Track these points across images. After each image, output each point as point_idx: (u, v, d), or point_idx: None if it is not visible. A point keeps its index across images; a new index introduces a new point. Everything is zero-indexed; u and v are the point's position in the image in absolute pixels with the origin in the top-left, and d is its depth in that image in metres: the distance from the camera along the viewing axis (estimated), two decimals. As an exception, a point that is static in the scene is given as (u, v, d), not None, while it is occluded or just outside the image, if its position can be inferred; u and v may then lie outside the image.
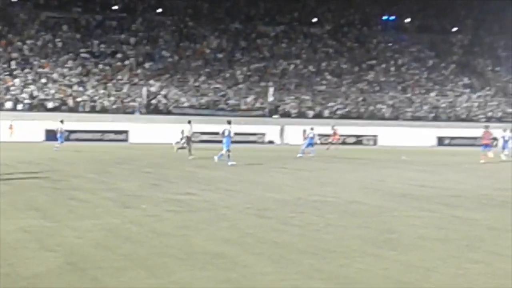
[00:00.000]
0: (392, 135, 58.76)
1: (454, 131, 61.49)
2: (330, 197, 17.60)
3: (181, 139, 36.98)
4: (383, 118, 63.05)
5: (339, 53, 73.85)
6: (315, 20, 78.34)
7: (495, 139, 40.74)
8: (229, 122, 31.20)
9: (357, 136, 59.28)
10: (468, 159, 37.49)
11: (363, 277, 8.64)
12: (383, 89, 68.43)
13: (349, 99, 65.59)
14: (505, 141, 41.80)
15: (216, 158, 30.48)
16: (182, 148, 36.06)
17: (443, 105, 66.76)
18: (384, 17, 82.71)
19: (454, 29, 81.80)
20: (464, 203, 17.02)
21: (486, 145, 36.44)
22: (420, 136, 59.42)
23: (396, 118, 63.55)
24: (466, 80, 71.87)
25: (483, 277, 8.84)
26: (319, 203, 16.30)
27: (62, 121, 42.92)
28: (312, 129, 39.72)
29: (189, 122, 35.57)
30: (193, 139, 36.64)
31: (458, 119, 64.61)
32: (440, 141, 60.82)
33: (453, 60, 75.89)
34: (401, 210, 15.42)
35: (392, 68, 72.55)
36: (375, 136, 60.15)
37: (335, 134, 48.27)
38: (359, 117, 62.71)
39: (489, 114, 65.96)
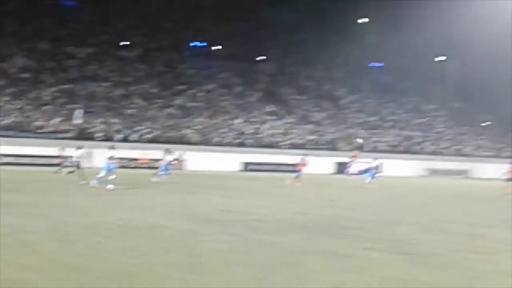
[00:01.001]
0: (200, 160, 59.35)
1: (259, 156, 63.26)
2: (136, 221, 17.48)
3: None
4: (190, 142, 63.54)
5: (148, 77, 73.78)
6: (125, 43, 77.88)
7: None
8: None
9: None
10: (272, 184, 38.76)
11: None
12: (191, 114, 69.07)
13: (158, 123, 65.59)
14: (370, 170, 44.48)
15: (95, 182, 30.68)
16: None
17: (249, 131, 68.49)
18: (194, 43, 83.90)
19: (261, 57, 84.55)
20: (267, 227, 17.52)
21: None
22: (226, 161, 60.56)
23: (203, 143, 64.33)
24: (271, 108, 74.26)
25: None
26: (126, 227, 16.14)
27: None
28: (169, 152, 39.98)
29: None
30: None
31: (263, 145, 66.49)
32: (245, 166, 62.29)
33: (259, 88, 78.24)
34: (207, 234, 15.61)
35: (201, 94, 73.51)
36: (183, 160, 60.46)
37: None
38: (167, 141, 62.73)
39: (292, 141, 68.52)
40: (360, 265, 12.05)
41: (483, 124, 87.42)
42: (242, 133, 67.84)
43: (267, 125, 70.51)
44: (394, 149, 72.63)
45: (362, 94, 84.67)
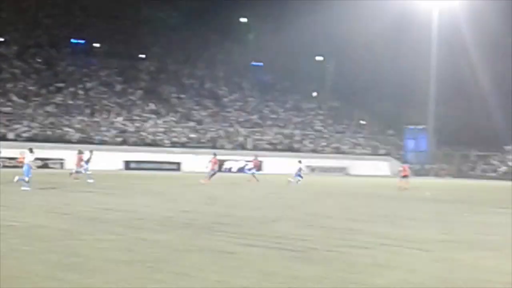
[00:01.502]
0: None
1: (141, 155, 62.75)
2: (14, 222, 17.00)
3: None
4: (70, 141, 62.25)
5: (26, 75, 71.67)
6: (1, 39, 75.31)
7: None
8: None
9: (43, 160, 57.77)
10: (154, 183, 38.55)
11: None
12: (71, 112, 67.65)
13: (36, 121, 63.86)
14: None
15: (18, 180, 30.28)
16: None
17: (130, 129, 67.79)
18: (73, 40, 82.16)
19: (142, 56, 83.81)
20: (149, 225, 17.43)
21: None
22: (107, 159, 59.64)
23: (84, 141, 63.12)
24: (152, 106, 73.78)
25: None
26: (3, 228, 15.66)
27: None
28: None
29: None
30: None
31: (145, 143, 66.01)
32: (127, 165, 61.64)
33: (140, 86, 77.55)
34: (88, 233, 15.37)
35: (81, 92, 72.11)
36: (62, 159, 59.12)
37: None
38: (46, 140, 61.22)
39: (174, 139, 68.36)
40: (242, 261, 12.20)
41: (362, 123, 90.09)
42: (124, 132, 67.07)
43: (148, 124, 69.98)
44: (275, 147, 73.73)
45: (243, 93, 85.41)
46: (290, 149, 74.61)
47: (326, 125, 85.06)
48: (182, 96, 78.90)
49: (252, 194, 33.34)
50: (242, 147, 71.66)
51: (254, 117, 79.97)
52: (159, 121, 71.38)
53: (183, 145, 67.39)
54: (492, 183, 60.82)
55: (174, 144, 66.87)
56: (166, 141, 67.40)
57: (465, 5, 77.16)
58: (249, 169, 43.82)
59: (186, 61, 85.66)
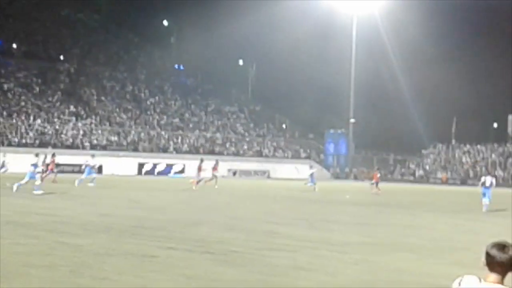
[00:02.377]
0: (-4, 162, 56.78)
1: (60, 158, 61.59)
2: None
3: None
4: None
5: None
6: None
7: None
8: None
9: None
10: (75, 186, 37.97)
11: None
12: (-13, 114, 65.97)
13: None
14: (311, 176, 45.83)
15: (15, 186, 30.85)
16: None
17: (50, 132, 66.55)
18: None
19: (61, 57, 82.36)
20: (70, 230, 17.20)
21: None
22: (25, 162, 58.20)
23: (1, 143, 61.64)
24: (72, 108, 72.60)
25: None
26: None
27: None
28: None
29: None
30: None
31: (64, 146, 64.87)
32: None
33: (60, 88, 76.19)
34: (6, 237, 15.03)
35: (-2, 93, 70.42)
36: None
37: None
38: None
39: (94, 142, 67.44)
40: (165, 265, 12.18)
41: (283, 126, 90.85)
42: (43, 134, 65.78)
43: (68, 126, 68.83)
44: (197, 151, 73.60)
45: (165, 96, 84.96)
46: (212, 152, 74.60)
47: (248, 129, 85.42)
48: (103, 98, 77.90)
49: (175, 197, 33.24)
50: (164, 150, 71.27)
51: (176, 120, 79.63)
52: (79, 124, 70.31)
53: (103, 148, 66.55)
54: (409, 187, 62.28)
55: (94, 147, 65.96)
56: (87, 144, 66.44)
57: (384, 12, 78.86)
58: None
59: (106, 64, 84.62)
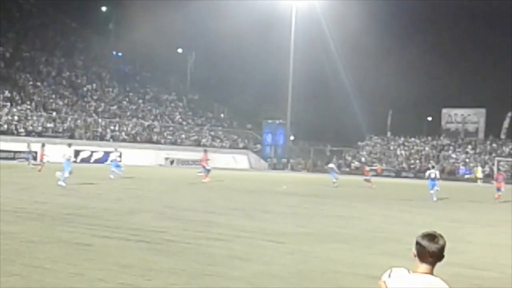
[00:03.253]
0: None
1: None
2: None
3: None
4: None
5: None
6: None
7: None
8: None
9: None
10: (8, 172, 37.25)
11: None
12: None
13: None
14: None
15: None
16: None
17: (-17, 117, 65.09)
18: None
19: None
20: (1, 217, 16.88)
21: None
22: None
23: None
24: (7, 93, 71.09)
25: (19, 289, 8.96)
26: None
27: None
28: None
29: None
30: None
31: (-1, 132, 63.62)
32: (-21, 154, 59.17)
33: (-8, 72, 74.54)
34: None
35: None
36: None
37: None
38: None
39: (30, 128, 66.22)
40: (99, 253, 12.08)
41: (221, 116, 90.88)
42: (-24, 119, 64.30)
43: (3, 111, 67.39)
44: (134, 139, 73.03)
45: (103, 83, 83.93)
46: (150, 140, 74.14)
47: (186, 118, 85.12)
48: (39, 84, 76.49)
49: (110, 186, 32.94)
50: (101, 137, 70.47)
51: (114, 107, 78.78)
52: (14, 109, 68.91)
53: (39, 134, 65.37)
54: (345, 178, 62.97)
55: (30, 133, 64.74)
56: (21, 130, 65.18)
57: (324, 3, 79.45)
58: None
59: (43, 49, 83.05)
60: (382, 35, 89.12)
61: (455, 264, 11.91)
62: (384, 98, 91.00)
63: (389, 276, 4.43)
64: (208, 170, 41.04)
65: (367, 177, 45.77)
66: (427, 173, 35.65)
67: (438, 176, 34.97)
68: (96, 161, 62.74)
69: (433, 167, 39.79)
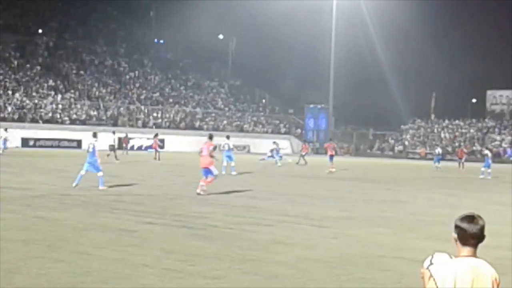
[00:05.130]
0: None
1: (39, 132, 61.27)
2: None
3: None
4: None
5: None
6: None
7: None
8: (227, 137, 34.65)
9: None
10: (53, 160, 37.75)
11: None
12: (-36, 88, 65.29)
13: None
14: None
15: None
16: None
17: (28, 106, 66.00)
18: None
19: (40, 31, 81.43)
20: (47, 204, 17.14)
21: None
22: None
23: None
24: (51, 82, 71.99)
25: (65, 276, 9.06)
26: None
27: None
28: None
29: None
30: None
31: (43, 120, 64.45)
32: (25, 142, 60.07)
33: (38, 62, 75.45)
34: (-17, 213, 14.98)
35: (-25, 67, 69.64)
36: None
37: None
38: None
39: (74, 116, 67.01)
40: (143, 239, 12.18)
41: (263, 101, 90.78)
42: (22, 108, 65.23)
43: (47, 100, 68.31)
44: (176, 125, 73.42)
45: (144, 70, 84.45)
46: (191, 127, 74.44)
47: (228, 104, 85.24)
48: (82, 73, 77.27)
49: (153, 172, 33.17)
50: (143, 124, 71.03)
51: (156, 94, 79.25)
52: (58, 98, 69.78)
53: (83, 122, 66.14)
54: (388, 162, 62.57)
55: (74, 122, 65.55)
56: (66, 119, 65.99)
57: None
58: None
59: (85, 37, 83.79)
60: (425, 18, 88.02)
61: (500, 247, 11.75)
62: (427, 81, 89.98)
63: (431, 262, 4.34)
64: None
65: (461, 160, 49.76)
66: (485, 151, 41.53)
67: (490, 156, 39.23)
68: (139, 149, 63.20)
69: (488, 148, 46.05)
